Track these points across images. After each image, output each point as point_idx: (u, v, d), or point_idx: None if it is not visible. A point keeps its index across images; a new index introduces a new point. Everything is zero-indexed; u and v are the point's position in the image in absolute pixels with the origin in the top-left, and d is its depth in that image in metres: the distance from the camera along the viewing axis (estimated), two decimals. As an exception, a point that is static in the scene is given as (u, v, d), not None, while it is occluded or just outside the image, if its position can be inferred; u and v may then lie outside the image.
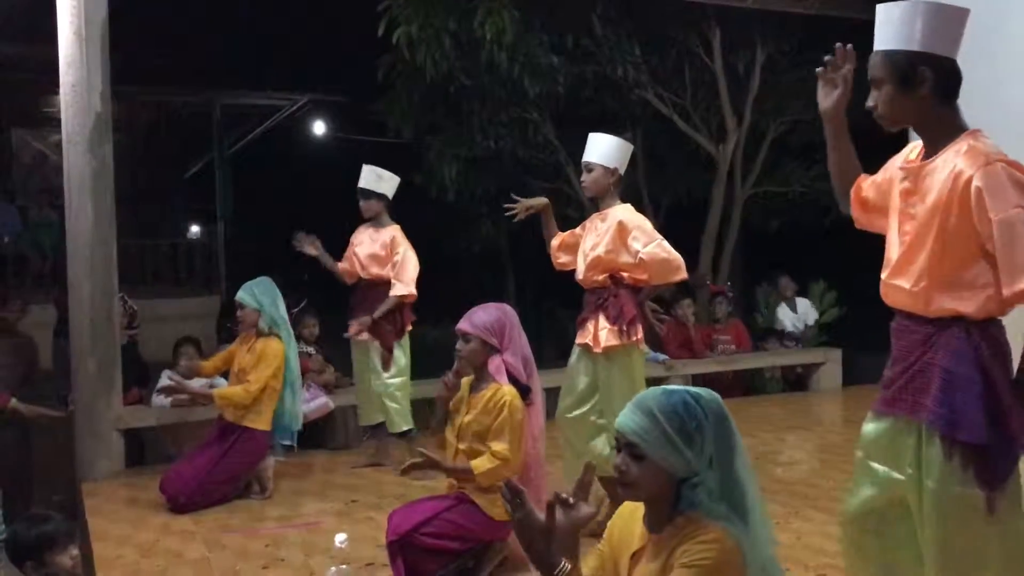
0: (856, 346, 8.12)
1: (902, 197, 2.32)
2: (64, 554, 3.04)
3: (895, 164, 2.42)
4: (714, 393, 2.05)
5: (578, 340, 4.27)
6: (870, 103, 2.29)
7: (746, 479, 2.00)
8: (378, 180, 5.47)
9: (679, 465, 1.95)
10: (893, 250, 2.34)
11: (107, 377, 5.58)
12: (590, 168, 4.16)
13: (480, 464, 3.57)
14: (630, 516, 2.11)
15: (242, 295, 5.17)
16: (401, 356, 5.50)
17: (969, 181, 2.14)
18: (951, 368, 2.20)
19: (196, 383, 5.98)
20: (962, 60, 2.26)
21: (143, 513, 4.81)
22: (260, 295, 5.15)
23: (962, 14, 2.23)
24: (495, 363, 3.66)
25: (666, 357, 7.37)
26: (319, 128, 15.93)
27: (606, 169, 4.13)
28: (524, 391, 3.68)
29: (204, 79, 13.56)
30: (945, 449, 2.18)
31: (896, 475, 2.30)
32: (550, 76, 8.95)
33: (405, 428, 5.53)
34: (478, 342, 3.65)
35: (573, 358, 4.31)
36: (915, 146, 2.39)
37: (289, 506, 4.90)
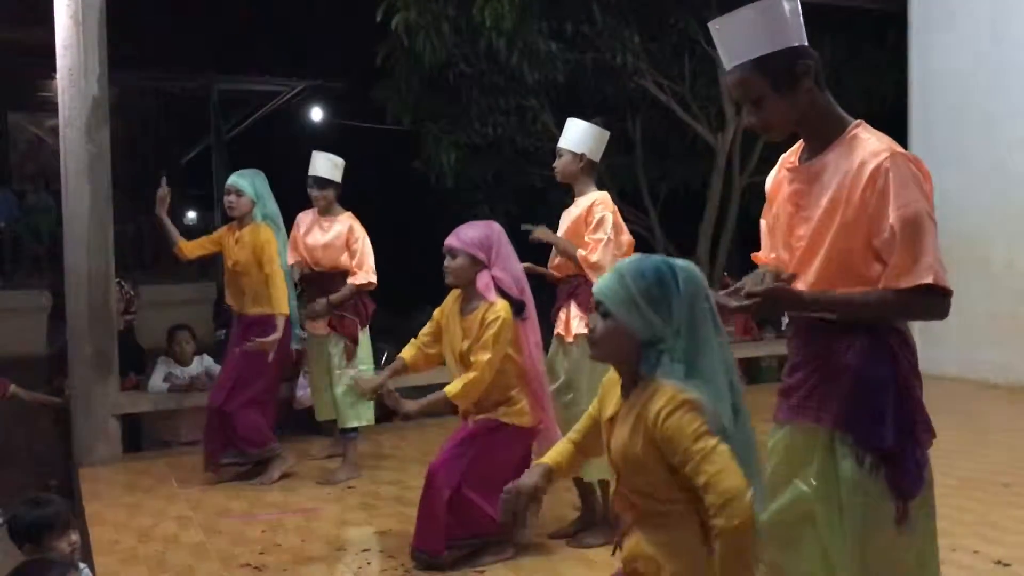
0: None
1: (792, 200, 2.18)
2: (62, 539, 3.05)
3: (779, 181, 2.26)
4: (694, 266, 2.06)
5: (555, 330, 4.29)
6: (752, 120, 2.15)
7: (715, 351, 2.00)
8: (334, 168, 5.12)
9: (641, 327, 1.98)
10: (785, 255, 2.23)
11: (104, 363, 5.57)
12: (560, 154, 4.17)
13: (451, 388, 3.60)
14: (615, 383, 2.15)
15: (239, 180, 4.98)
16: (364, 346, 5.21)
17: (877, 170, 2.01)
18: (862, 369, 2.06)
19: (192, 369, 6.01)
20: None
21: (140, 498, 4.82)
22: (259, 186, 5.02)
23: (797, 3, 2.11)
24: (483, 279, 3.66)
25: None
26: (317, 114, 15.88)
27: (574, 155, 4.12)
28: (518, 306, 3.68)
29: (202, 64, 13.51)
30: (858, 456, 2.07)
31: (803, 487, 2.16)
32: (549, 63, 8.92)
33: (354, 425, 5.16)
34: (465, 257, 3.66)
35: (552, 349, 4.33)
36: (795, 149, 2.24)
37: (286, 493, 4.91)
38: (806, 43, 2.11)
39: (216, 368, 6.07)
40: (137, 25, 9.99)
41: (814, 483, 2.15)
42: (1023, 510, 4.24)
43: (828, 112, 2.14)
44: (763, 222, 2.37)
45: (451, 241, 3.69)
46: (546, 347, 4.00)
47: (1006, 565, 3.60)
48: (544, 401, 3.77)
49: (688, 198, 11.18)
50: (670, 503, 1.99)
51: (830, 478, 2.12)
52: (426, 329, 3.91)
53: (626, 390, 2.06)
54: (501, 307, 3.62)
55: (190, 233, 15.42)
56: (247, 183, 5.00)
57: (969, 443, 5.36)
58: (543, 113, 9.70)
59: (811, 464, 2.15)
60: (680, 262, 2.04)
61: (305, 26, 13.70)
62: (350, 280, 5.10)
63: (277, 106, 15.16)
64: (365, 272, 5.09)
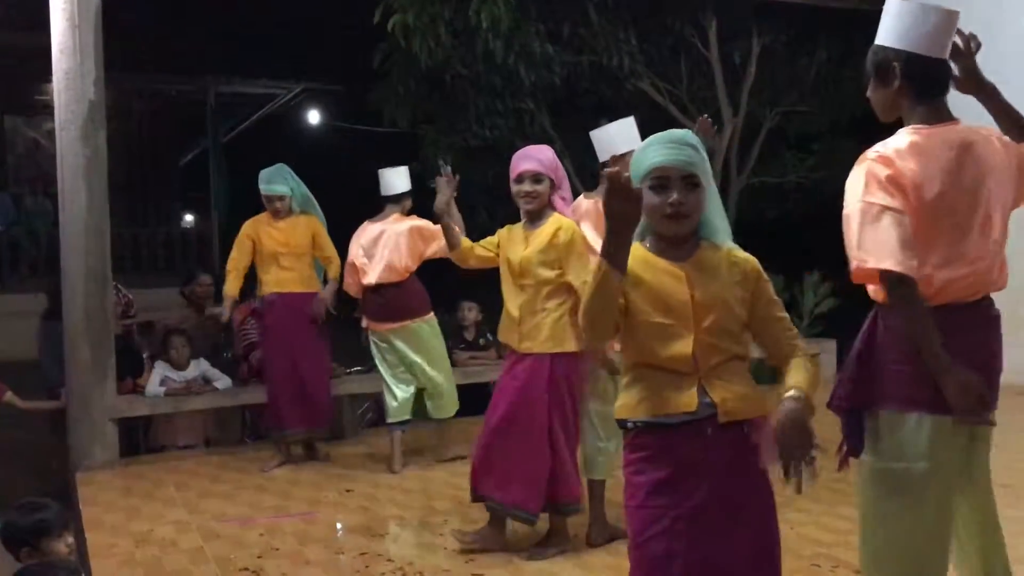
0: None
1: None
2: (59, 541, 3.04)
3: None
4: None
5: None
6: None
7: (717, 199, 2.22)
8: None
9: (711, 191, 2.15)
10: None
11: (101, 366, 5.56)
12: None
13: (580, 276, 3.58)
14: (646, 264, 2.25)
15: (277, 188, 5.26)
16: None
17: None
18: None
19: (189, 373, 5.99)
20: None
21: (137, 502, 4.81)
22: (289, 178, 5.32)
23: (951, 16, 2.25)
24: (556, 198, 3.74)
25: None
26: (314, 117, 15.90)
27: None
28: None
29: (199, 67, 13.51)
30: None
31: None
32: (546, 66, 8.93)
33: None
34: (547, 180, 3.71)
35: None
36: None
37: (284, 496, 4.90)
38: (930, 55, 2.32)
39: (213, 372, 6.05)
40: (134, 28, 9.99)
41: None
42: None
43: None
44: (904, 218, 2.14)
45: (533, 166, 3.68)
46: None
47: (1005, 566, 3.58)
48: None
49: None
50: (739, 343, 2.16)
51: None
52: (489, 239, 3.95)
53: (684, 254, 2.13)
54: (570, 223, 3.67)
55: (188, 236, 15.27)
56: (283, 186, 5.30)
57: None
58: (540, 115, 9.70)
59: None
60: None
61: (302, 29, 13.70)
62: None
63: (274, 109, 15.17)
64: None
